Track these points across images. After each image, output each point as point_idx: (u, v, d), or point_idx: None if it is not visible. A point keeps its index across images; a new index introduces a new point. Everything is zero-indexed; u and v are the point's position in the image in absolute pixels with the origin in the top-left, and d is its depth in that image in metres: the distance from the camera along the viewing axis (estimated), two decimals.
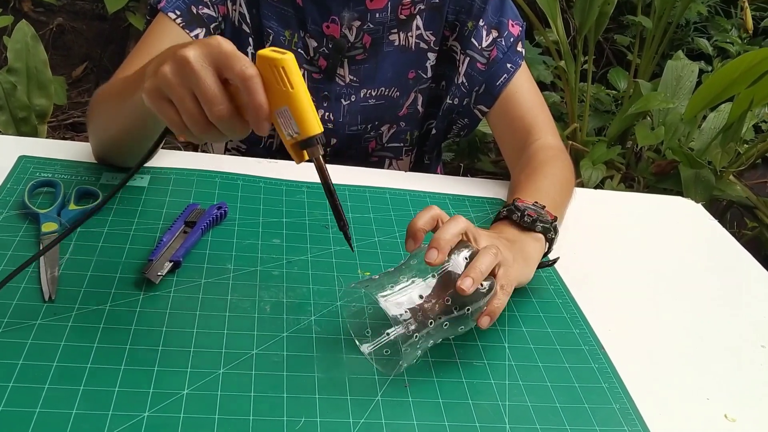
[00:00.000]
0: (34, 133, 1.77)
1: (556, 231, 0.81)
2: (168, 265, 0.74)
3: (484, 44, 1.03)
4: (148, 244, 0.78)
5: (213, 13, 0.98)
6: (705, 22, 2.90)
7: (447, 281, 0.66)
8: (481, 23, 1.02)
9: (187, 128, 0.61)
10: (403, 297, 0.64)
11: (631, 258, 0.94)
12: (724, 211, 2.11)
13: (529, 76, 1.05)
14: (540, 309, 0.80)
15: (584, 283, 0.85)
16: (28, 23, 1.86)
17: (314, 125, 0.61)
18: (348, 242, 0.67)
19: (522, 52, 1.04)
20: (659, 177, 1.97)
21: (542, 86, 2.61)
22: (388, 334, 0.68)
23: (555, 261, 0.84)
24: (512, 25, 1.03)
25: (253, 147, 1.12)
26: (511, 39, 1.03)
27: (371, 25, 1.02)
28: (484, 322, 0.66)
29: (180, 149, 1.10)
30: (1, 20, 2.66)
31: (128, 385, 0.60)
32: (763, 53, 1.68)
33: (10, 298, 0.68)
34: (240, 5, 1.00)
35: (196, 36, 0.96)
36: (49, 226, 0.78)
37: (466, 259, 0.67)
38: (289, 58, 0.58)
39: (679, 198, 1.13)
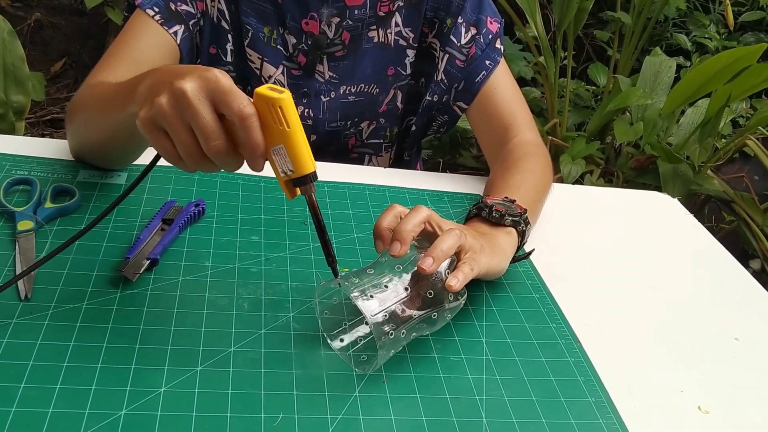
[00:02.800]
0: (11, 130, 1.76)
1: (526, 222, 0.82)
2: (145, 263, 0.74)
3: (463, 41, 1.03)
4: (126, 242, 0.78)
5: (191, 9, 0.98)
6: (684, 18, 2.92)
7: (418, 275, 0.66)
8: (459, 20, 1.03)
9: (181, 159, 0.61)
10: (379, 296, 0.64)
11: (607, 253, 0.95)
12: (702, 206, 2.13)
13: (508, 72, 1.06)
14: (517, 304, 0.80)
15: (561, 278, 0.86)
16: (5, 18, 1.84)
17: (308, 164, 0.61)
18: (334, 274, 0.67)
19: (501, 49, 1.04)
20: (638, 172, 1.98)
21: (523, 82, 2.62)
22: (360, 339, 0.69)
23: (530, 253, 0.84)
24: (491, 22, 1.04)
25: None
26: (490, 36, 1.03)
27: (350, 22, 1.02)
28: (452, 281, 0.66)
29: None
30: None
31: (105, 383, 0.60)
32: (740, 51, 1.70)
33: None
34: (219, 1, 1.00)
35: (175, 33, 0.95)
36: (24, 225, 0.77)
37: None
38: (286, 98, 0.58)
39: (656, 193, 1.14)
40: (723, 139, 2.16)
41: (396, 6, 1.03)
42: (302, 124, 0.62)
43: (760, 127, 1.95)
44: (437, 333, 0.71)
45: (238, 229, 0.84)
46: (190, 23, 0.98)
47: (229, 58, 1.03)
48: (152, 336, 0.66)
